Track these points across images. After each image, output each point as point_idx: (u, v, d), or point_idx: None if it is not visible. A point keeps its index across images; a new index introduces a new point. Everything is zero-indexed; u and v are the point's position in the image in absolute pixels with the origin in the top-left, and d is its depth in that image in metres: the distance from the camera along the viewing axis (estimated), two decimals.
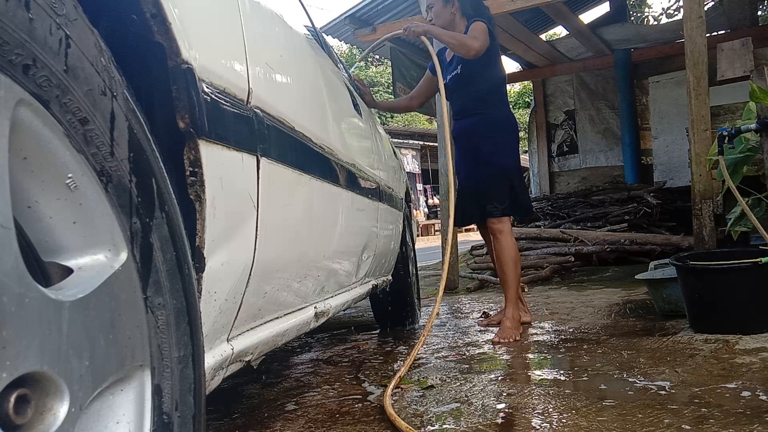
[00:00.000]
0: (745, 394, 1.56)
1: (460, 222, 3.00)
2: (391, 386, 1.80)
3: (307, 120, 1.36)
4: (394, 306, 3.05)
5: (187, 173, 0.82)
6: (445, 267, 2.51)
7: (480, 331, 2.83)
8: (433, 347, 2.53)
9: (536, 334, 2.63)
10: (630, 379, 1.79)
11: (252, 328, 1.16)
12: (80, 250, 0.61)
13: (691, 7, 3.62)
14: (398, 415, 1.59)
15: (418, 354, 2.42)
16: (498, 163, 2.75)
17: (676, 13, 11.58)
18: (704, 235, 3.58)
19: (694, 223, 3.65)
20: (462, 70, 2.82)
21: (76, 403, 0.56)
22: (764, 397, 1.52)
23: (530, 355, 2.24)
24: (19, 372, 0.49)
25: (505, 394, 1.73)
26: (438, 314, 3.52)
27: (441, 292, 2.41)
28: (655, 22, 11.64)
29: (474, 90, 2.81)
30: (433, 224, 17.21)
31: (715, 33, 7.07)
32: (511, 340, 2.51)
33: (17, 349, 0.49)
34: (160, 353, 0.69)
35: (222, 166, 0.89)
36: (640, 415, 1.45)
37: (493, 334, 2.64)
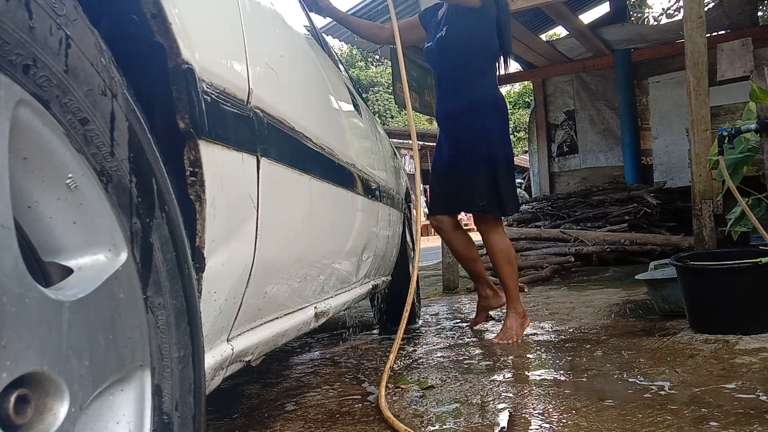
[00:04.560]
0: (745, 394, 1.56)
1: (435, 210, 2.75)
2: (383, 383, 1.78)
3: (307, 120, 1.36)
4: (394, 306, 3.05)
5: (187, 173, 0.82)
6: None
7: (480, 330, 2.83)
8: (433, 347, 2.53)
9: (536, 334, 2.63)
10: (630, 380, 1.79)
11: (252, 329, 1.16)
12: (80, 250, 0.61)
13: (691, 7, 3.63)
14: (399, 415, 1.59)
15: (417, 354, 2.42)
16: (481, 151, 2.51)
17: (676, 13, 11.59)
18: (704, 236, 3.58)
19: (694, 224, 3.65)
20: (448, 32, 2.53)
21: (76, 403, 0.56)
22: (764, 397, 1.52)
23: (530, 355, 2.24)
24: (19, 372, 0.49)
25: (505, 394, 1.73)
26: (437, 314, 3.53)
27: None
28: (655, 23, 11.65)
29: (459, 60, 2.53)
30: None
31: (715, 33, 7.07)
32: (511, 341, 2.47)
33: (17, 349, 0.49)
34: (160, 353, 0.69)
35: (222, 167, 0.89)
36: (640, 416, 1.45)
37: (494, 335, 2.64)
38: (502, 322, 2.66)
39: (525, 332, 2.67)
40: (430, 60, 2.72)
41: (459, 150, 2.58)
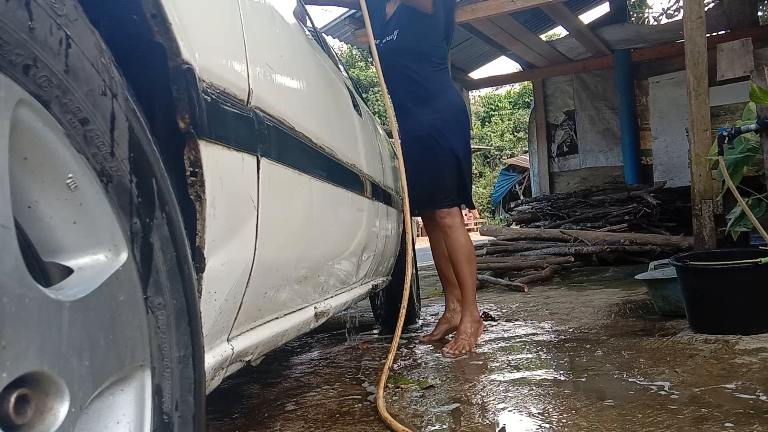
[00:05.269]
0: (745, 394, 1.56)
1: (414, 210, 2.68)
2: (381, 384, 1.78)
3: (307, 120, 1.36)
4: (394, 306, 3.05)
5: (188, 173, 0.82)
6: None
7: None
8: (433, 347, 2.53)
9: (536, 334, 2.63)
10: (630, 380, 1.79)
11: (252, 328, 1.16)
12: (80, 250, 0.61)
13: (691, 7, 3.63)
14: (398, 415, 1.59)
15: (417, 354, 2.42)
16: (445, 148, 2.48)
17: (676, 13, 11.59)
18: (704, 236, 3.58)
19: (694, 224, 3.65)
20: (399, 36, 2.50)
21: (76, 403, 0.56)
22: (764, 397, 1.52)
23: (530, 355, 2.24)
24: (19, 372, 0.49)
25: (504, 394, 1.73)
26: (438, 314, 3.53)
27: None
28: (655, 23, 11.65)
29: (412, 65, 2.50)
30: None
31: (715, 33, 7.07)
32: (465, 351, 2.33)
33: (17, 349, 0.49)
34: (160, 353, 0.69)
35: (222, 167, 0.89)
36: (640, 416, 1.46)
37: (495, 335, 2.63)
38: (457, 329, 2.51)
39: (524, 332, 2.68)
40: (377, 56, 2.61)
41: (422, 150, 2.54)
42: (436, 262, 2.84)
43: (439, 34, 2.53)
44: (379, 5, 2.64)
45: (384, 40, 2.56)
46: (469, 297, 2.51)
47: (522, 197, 13.46)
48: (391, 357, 1.94)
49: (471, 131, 2.67)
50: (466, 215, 21.08)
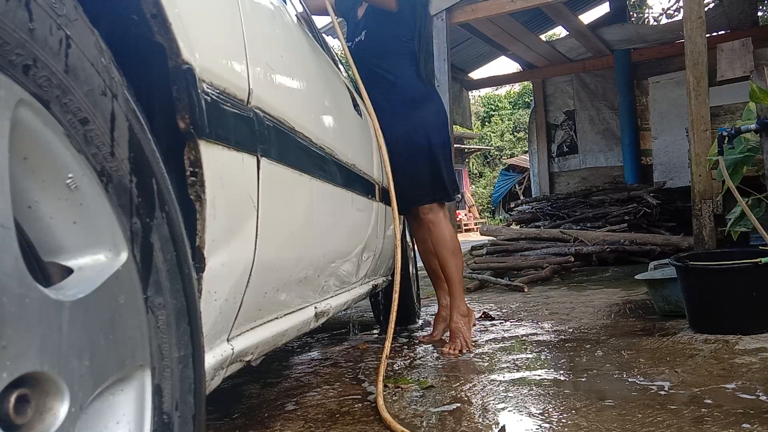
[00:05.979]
0: (745, 394, 1.56)
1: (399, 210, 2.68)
2: (379, 383, 1.77)
3: (307, 120, 1.36)
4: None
5: (188, 173, 0.82)
6: None
7: (480, 330, 2.83)
8: (433, 347, 2.53)
9: (536, 334, 2.63)
10: (630, 379, 1.79)
11: (252, 328, 1.16)
12: (80, 250, 0.61)
13: (691, 7, 3.63)
14: (398, 415, 1.59)
15: (417, 354, 2.42)
16: (421, 144, 2.47)
17: (676, 13, 11.60)
18: (704, 236, 3.58)
19: (693, 224, 3.65)
20: (366, 37, 2.53)
21: (77, 403, 0.56)
22: (764, 397, 1.52)
23: (530, 355, 2.24)
24: (19, 372, 0.49)
25: (504, 394, 1.73)
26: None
27: None
28: (655, 23, 11.65)
29: (381, 64, 2.50)
30: None
31: (715, 33, 7.08)
32: (464, 349, 2.33)
33: (17, 349, 0.49)
34: (160, 353, 0.69)
35: (222, 167, 0.89)
36: (639, 415, 1.46)
37: (494, 335, 2.63)
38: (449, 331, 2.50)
39: (524, 332, 2.68)
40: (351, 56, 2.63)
41: (401, 148, 2.52)
42: (423, 260, 2.85)
43: (408, 31, 2.51)
44: (352, 9, 2.68)
45: (354, 42, 2.58)
46: (455, 291, 2.51)
47: (522, 197, 13.46)
48: (387, 344, 1.92)
49: (450, 125, 2.65)
50: (466, 214, 21.10)
